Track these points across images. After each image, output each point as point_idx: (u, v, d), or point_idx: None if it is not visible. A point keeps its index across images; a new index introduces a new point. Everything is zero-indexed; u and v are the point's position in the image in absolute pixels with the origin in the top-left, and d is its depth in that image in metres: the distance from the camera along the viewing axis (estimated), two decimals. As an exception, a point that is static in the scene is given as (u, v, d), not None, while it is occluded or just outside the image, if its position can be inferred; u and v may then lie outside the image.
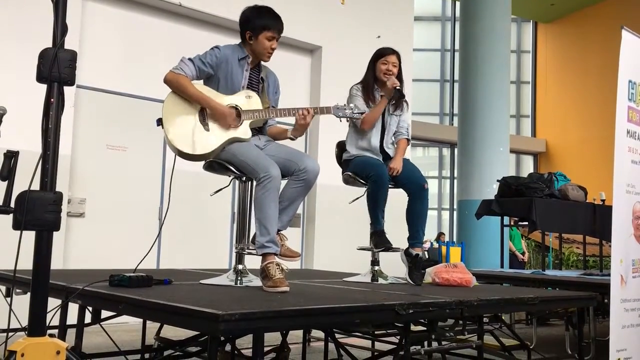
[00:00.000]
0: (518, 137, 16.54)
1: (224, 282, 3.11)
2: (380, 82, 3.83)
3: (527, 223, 5.85)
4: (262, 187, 2.91)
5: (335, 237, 6.92)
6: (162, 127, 3.04)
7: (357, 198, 3.91)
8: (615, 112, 3.09)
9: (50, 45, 1.89)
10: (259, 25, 3.18)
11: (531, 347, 4.00)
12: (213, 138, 3.06)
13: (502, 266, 6.57)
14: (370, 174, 3.63)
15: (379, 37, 7.09)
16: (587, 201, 6.33)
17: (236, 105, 3.12)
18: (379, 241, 3.64)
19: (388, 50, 3.85)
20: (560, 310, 4.29)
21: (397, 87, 3.71)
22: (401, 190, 3.77)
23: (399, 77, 3.84)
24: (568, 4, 15.78)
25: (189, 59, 3.12)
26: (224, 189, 3.40)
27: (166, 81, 3.08)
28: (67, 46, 1.91)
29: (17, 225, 1.80)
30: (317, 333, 4.24)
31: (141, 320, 3.86)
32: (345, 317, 2.30)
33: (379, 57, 3.84)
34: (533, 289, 4.23)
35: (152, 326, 3.84)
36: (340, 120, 3.44)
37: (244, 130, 3.11)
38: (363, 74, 3.93)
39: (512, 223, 7.14)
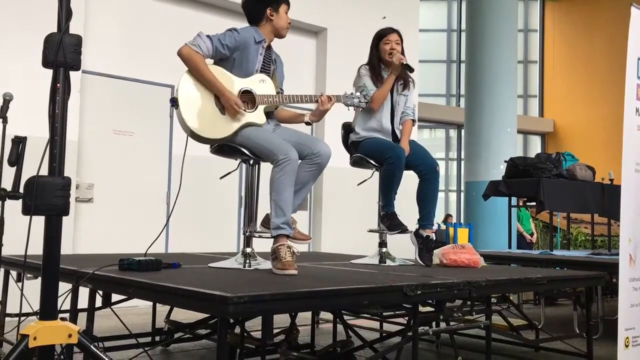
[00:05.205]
0: (525, 117, 16.43)
1: (233, 265, 3.12)
2: (386, 62, 3.81)
3: (535, 203, 5.84)
4: (280, 169, 2.93)
5: (343, 219, 6.94)
6: (177, 108, 3.02)
7: (365, 180, 3.90)
8: (624, 91, 3.06)
9: (55, 30, 1.88)
10: (277, 0, 3.25)
11: (539, 327, 4.01)
12: (229, 122, 3.06)
13: (509, 247, 6.57)
14: (387, 156, 3.61)
15: (384, 18, 7.03)
16: (595, 181, 6.30)
17: (251, 90, 3.12)
18: (394, 224, 3.64)
19: (387, 30, 3.85)
20: (569, 290, 4.30)
21: (404, 62, 3.69)
22: (408, 171, 3.76)
23: (403, 54, 3.82)
24: (576, -18, 15.58)
25: (207, 36, 3.08)
26: (232, 173, 3.41)
27: (180, 55, 3.04)
28: (72, 31, 1.91)
29: (26, 211, 1.80)
30: (325, 315, 4.27)
31: (151, 303, 3.90)
32: (353, 298, 2.31)
33: (380, 39, 3.84)
34: (541, 269, 4.23)
35: (162, 309, 3.87)
36: (349, 109, 3.48)
37: (258, 115, 3.12)
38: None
39: (520, 204, 7.12)
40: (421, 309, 2.76)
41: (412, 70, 3.74)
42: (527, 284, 3.13)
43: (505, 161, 6.39)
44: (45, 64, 1.84)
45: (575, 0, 16.43)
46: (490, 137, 8.86)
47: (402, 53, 3.80)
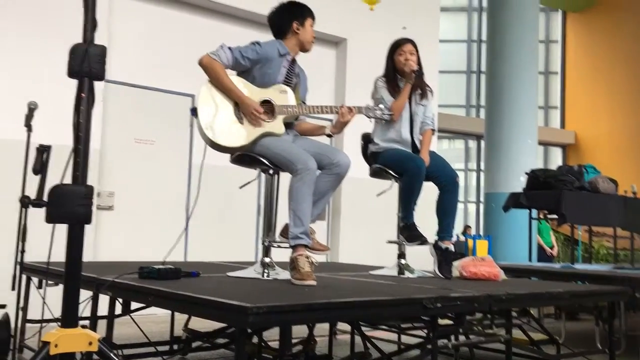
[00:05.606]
0: (546, 129, 16.27)
1: (251, 274, 3.13)
2: (402, 73, 3.80)
3: (556, 216, 5.77)
4: (299, 179, 2.94)
5: (361, 229, 6.92)
6: (197, 117, 3.06)
7: (385, 191, 3.89)
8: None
9: (80, 39, 1.91)
10: (303, 14, 3.30)
11: (560, 342, 3.95)
12: (247, 131, 3.08)
13: (530, 260, 6.49)
14: (407, 167, 3.60)
15: (404, 28, 7.03)
16: (618, 194, 6.21)
17: (270, 100, 3.13)
18: (413, 235, 3.62)
19: (402, 41, 3.84)
20: (590, 305, 4.23)
21: (414, 69, 3.68)
22: (426, 183, 3.74)
23: (419, 64, 3.80)
24: (598, -7, 15.47)
25: (229, 48, 3.13)
26: (251, 182, 3.43)
27: (201, 64, 3.10)
28: (96, 41, 1.93)
29: (50, 218, 1.82)
30: (343, 326, 4.25)
31: (169, 311, 3.91)
32: (373, 310, 2.29)
33: (395, 49, 3.83)
34: (562, 283, 4.17)
35: (181, 317, 3.88)
36: (370, 121, 3.48)
37: (277, 125, 3.13)
38: None
39: (540, 216, 7.04)
40: (440, 321, 2.74)
41: (421, 75, 3.73)
42: (548, 299, 3.09)
43: (526, 173, 6.33)
44: (71, 74, 1.87)
45: (597, 11, 16.30)
46: (510, 149, 8.78)
47: (419, 62, 3.79)
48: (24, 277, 3.41)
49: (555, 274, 4.73)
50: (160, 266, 2.80)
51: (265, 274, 3.10)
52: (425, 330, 3.02)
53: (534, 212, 6.37)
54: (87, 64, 1.84)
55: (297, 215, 2.94)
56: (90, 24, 1.90)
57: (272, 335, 3.66)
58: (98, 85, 1.89)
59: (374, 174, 3.88)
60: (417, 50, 3.81)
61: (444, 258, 3.56)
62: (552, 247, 9.47)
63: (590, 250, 7.72)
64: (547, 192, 5.74)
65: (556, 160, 16.95)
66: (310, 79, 3.55)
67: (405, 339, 4.17)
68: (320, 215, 3.29)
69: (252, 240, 6.42)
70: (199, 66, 3.12)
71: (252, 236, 6.44)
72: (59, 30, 5.19)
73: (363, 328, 3.55)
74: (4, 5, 5.17)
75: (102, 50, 1.89)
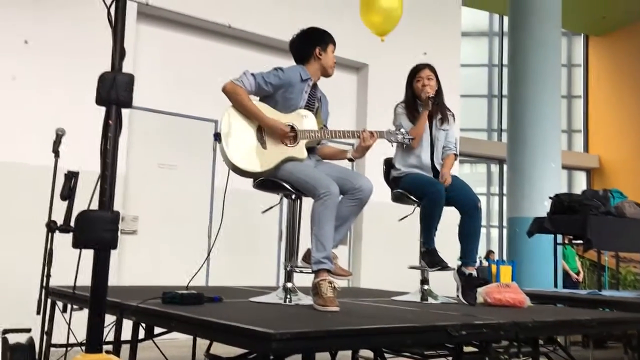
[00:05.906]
0: (570, 153, 16.10)
1: (274, 300, 3.12)
2: (420, 99, 3.80)
3: (581, 241, 5.68)
4: (321, 203, 2.94)
5: (383, 254, 6.87)
6: (220, 142, 3.09)
7: (407, 216, 3.87)
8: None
9: (107, 66, 1.95)
10: (326, 40, 3.36)
11: (588, 371, 3.86)
12: (269, 156, 3.10)
13: (555, 286, 6.38)
14: (427, 191, 3.58)
15: (425, 53, 7.05)
16: (645, 219, 6.08)
17: (293, 125, 3.16)
18: (433, 260, 3.59)
19: (420, 67, 3.85)
20: (619, 333, 4.13)
21: (430, 95, 3.68)
22: (449, 207, 3.72)
23: (438, 88, 3.81)
24: (620, 17, 15.37)
25: (252, 74, 3.18)
26: (273, 207, 3.44)
27: (224, 90, 3.14)
28: (123, 69, 1.97)
29: (76, 244, 1.84)
30: (365, 352, 4.20)
31: (191, 336, 3.90)
32: (396, 337, 2.26)
33: (414, 76, 3.84)
34: (589, 310, 4.08)
35: (202, 342, 3.87)
36: (392, 145, 3.49)
37: (300, 150, 3.15)
38: None
39: (565, 241, 6.93)
40: (465, 349, 2.69)
41: (437, 102, 3.73)
42: (576, 326, 3.02)
43: (550, 197, 6.25)
44: (99, 101, 1.90)
45: (619, 35, 16.20)
46: (533, 173, 8.70)
47: (438, 86, 3.79)
48: (49, 301, 3.45)
49: (581, 301, 4.63)
50: (183, 291, 2.80)
51: (288, 300, 3.09)
52: (450, 358, 2.97)
53: (559, 237, 6.27)
54: (115, 91, 1.87)
55: (320, 240, 2.94)
56: (118, 52, 1.94)
57: (293, 361, 3.63)
58: (124, 111, 1.93)
59: (396, 198, 3.87)
60: (436, 75, 3.81)
61: (468, 284, 3.51)
62: (577, 273, 9.31)
63: (617, 276, 7.56)
64: (572, 217, 5.66)
65: (580, 184, 16.72)
66: (332, 103, 3.57)
67: (428, 366, 4.11)
68: (342, 240, 3.28)
69: (274, 265, 6.42)
70: (222, 93, 3.17)
71: (274, 261, 6.43)
72: (87, 58, 5.31)
73: (386, 355, 3.50)
74: (33, 34, 5.31)
75: (130, 78, 1.93)
